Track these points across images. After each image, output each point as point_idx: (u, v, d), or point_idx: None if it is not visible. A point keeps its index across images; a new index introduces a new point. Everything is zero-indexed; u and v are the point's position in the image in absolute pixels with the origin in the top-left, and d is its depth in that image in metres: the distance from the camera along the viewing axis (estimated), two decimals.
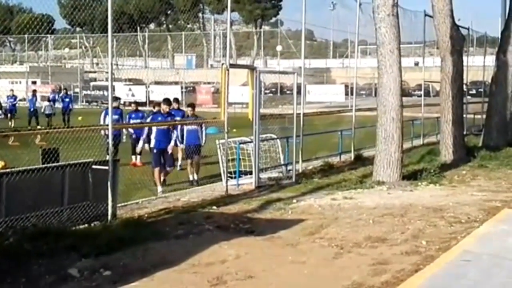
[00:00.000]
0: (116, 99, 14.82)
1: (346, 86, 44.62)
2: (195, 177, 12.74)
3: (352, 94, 20.67)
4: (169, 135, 12.28)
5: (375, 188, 11.43)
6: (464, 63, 16.99)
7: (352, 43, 54.99)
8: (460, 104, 15.77)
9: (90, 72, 63.43)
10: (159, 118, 12.76)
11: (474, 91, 34.53)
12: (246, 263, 6.66)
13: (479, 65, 26.85)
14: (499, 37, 18.71)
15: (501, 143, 17.37)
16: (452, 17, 14.90)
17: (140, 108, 17.05)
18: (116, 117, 13.62)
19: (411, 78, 43.35)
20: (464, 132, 18.14)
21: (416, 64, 48.52)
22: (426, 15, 17.79)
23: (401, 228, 8.23)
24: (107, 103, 9.55)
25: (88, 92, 50.25)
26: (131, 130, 15.07)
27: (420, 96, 22.68)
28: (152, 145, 12.17)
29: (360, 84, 49.80)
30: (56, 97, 32.40)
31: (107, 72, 14.50)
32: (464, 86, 20.68)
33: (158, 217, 9.15)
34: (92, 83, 52.91)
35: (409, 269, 6.40)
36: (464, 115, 19.51)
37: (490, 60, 22.30)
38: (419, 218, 8.80)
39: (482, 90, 27.73)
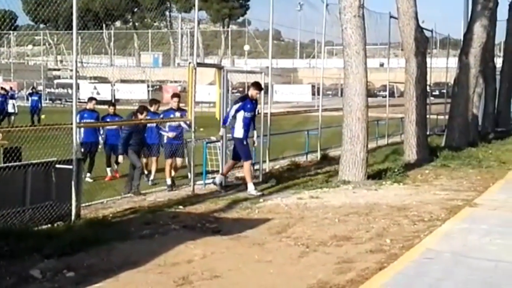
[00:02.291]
0: (91, 99, 14.25)
1: (313, 86, 44.85)
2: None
3: (318, 94, 20.80)
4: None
5: (341, 187, 11.53)
6: (428, 65, 17.23)
7: (319, 43, 55.26)
8: (424, 105, 16.00)
9: (54, 69, 62.59)
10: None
11: (437, 92, 35.08)
12: (212, 263, 6.66)
13: (442, 67, 27.30)
14: (462, 39, 19.06)
15: (463, 143, 17.69)
16: (416, 19, 15.10)
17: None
18: (91, 121, 13.32)
19: (376, 79, 43.89)
20: (428, 133, 18.44)
21: (381, 65, 49.16)
22: (391, 17, 18.01)
23: (366, 227, 8.33)
24: (71, 101, 9.44)
25: (52, 90, 49.48)
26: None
27: (385, 96, 22.96)
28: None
29: (326, 85, 50.14)
30: (16, 95, 31.37)
31: (71, 70, 14.32)
32: (428, 87, 21.00)
33: (123, 217, 9.09)
34: (56, 81, 52.12)
35: (374, 267, 6.48)
36: (428, 116, 19.82)
37: (453, 62, 22.69)
38: (384, 217, 8.92)
39: (445, 91, 28.18)
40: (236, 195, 10.82)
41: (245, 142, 11.49)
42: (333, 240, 7.60)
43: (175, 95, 13.22)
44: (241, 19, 76.29)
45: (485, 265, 6.51)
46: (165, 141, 12.45)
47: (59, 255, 6.66)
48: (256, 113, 11.95)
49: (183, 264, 6.60)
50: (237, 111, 11.40)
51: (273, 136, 13.90)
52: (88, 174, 13.29)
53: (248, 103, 11.53)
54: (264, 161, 13.21)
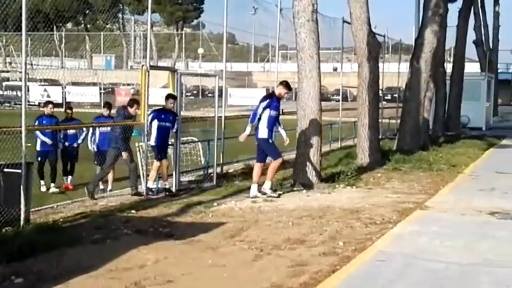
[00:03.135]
0: (48, 103, 13.27)
1: (267, 90, 44.95)
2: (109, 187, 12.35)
3: None
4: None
5: (294, 190, 11.58)
6: (380, 69, 17.46)
7: (273, 47, 55.51)
8: (376, 109, 16.20)
9: (3, 71, 61.04)
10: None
11: (389, 97, 35.62)
12: (165, 268, 6.59)
13: (394, 71, 27.68)
14: (413, 44, 19.39)
15: (414, 147, 17.99)
16: (369, 24, 15.29)
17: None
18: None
19: (330, 83, 44.24)
20: (380, 136, 18.68)
21: (335, 69, 49.58)
22: (344, 21, 18.19)
23: (319, 230, 8.37)
24: (20, 104, 9.20)
25: (0, 92, 48.33)
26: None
27: (338, 100, 23.16)
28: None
29: None
30: None
31: (20, 72, 13.91)
32: (380, 92, 21.30)
33: (74, 221, 8.92)
34: (4, 83, 50.84)
35: (327, 270, 6.51)
36: (380, 120, 20.07)
37: (405, 66, 23.04)
38: (337, 220, 8.98)
39: (397, 95, 28.63)
40: (189, 199, 10.74)
41: (270, 141, 11.29)
42: (287, 243, 7.62)
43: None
44: (195, 22, 76.00)
45: (436, 267, 6.62)
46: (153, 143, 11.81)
47: (7, 261, 6.49)
48: (281, 112, 11.74)
49: (135, 269, 6.51)
50: (264, 109, 11.14)
51: (227, 140, 13.86)
52: (52, 184, 12.78)
53: (274, 101, 11.26)
54: (218, 165, 13.17)
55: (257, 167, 11.25)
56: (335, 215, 9.37)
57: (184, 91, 13.04)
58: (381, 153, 16.37)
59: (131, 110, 11.37)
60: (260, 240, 7.80)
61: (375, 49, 15.59)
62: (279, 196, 10.88)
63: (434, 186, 12.45)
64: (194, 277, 6.34)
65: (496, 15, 47.04)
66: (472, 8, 33.03)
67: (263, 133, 11.13)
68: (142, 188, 11.24)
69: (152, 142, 11.60)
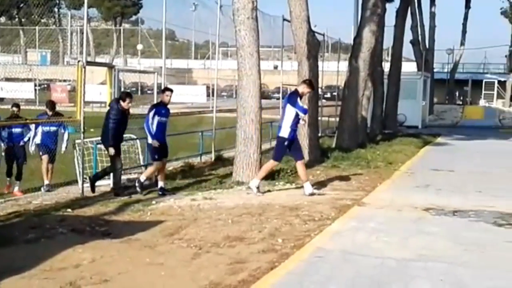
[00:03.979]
0: None
1: (208, 87, 44.89)
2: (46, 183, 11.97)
3: (213, 95, 20.80)
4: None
5: (234, 188, 11.58)
6: (320, 68, 17.64)
7: (213, 44, 55.37)
8: (316, 107, 16.36)
9: None
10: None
11: (328, 95, 36.09)
12: (101, 267, 6.47)
13: (334, 70, 28.01)
14: (352, 44, 19.68)
15: (353, 144, 18.27)
16: (308, 23, 15.42)
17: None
18: None
19: (271, 81, 44.52)
20: (319, 134, 18.89)
21: (275, 67, 49.89)
22: (284, 20, 18.27)
23: (259, 227, 8.38)
24: None
25: None
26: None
27: (279, 98, 23.27)
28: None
29: (221, 86, 50.36)
30: None
31: None
32: (320, 90, 21.53)
33: (6, 221, 8.67)
34: None
35: (266, 267, 6.53)
36: (319, 118, 20.31)
37: (344, 65, 23.35)
38: (276, 217, 9.02)
39: (336, 94, 29.01)
40: (128, 198, 10.59)
41: (286, 143, 11.12)
42: (226, 241, 7.60)
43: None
44: (134, 17, 75.10)
45: (372, 263, 6.72)
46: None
47: None
48: None
49: (71, 269, 6.37)
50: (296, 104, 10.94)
51: (166, 137, 13.71)
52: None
53: (299, 98, 11.14)
54: None
55: (300, 166, 11.21)
56: (274, 212, 9.40)
57: (122, 88, 12.75)
58: (320, 150, 16.56)
59: (124, 104, 11.04)
60: (199, 238, 7.75)
61: (315, 47, 15.74)
62: (263, 193, 10.96)
63: (371, 183, 12.67)
64: (131, 276, 6.25)
65: (432, 15, 48.28)
66: (409, 9, 33.78)
67: (285, 132, 11.07)
68: (79, 186, 11.01)
69: (151, 139, 11.19)
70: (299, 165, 11.15)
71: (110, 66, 12.49)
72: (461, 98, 66.07)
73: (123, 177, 12.31)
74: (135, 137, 13.24)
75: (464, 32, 55.03)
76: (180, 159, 15.23)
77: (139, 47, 67.52)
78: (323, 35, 22.93)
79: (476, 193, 11.61)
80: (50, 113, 12.17)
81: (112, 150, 10.91)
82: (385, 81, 27.93)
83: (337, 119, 20.69)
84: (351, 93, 18.68)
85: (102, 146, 12.08)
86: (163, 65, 14.39)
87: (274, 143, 20.17)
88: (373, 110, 25.67)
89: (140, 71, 19.08)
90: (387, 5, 21.75)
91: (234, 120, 12.64)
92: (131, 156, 13.06)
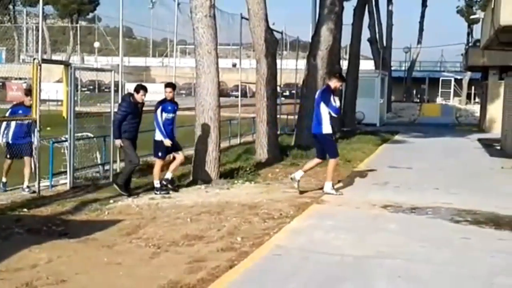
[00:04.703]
0: None
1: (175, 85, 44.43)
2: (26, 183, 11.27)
3: None
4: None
5: (193, 186, 11.53)
6: (278, 66, 17.69)
7: (171, 42, 55.03)
8: (274, 105, 16.39)
9: None
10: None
11: (287, 93, 36.24)
12: (58, 267, 6.37)
13: (292, 68, 28.13)
14: (310, 42, 19.77)
15: (312, 142, 18.32)
16: (266, 20, 15.43)
17: None
18: None
19: (229, 79, 44.50)
20: (278, 132, 18.93)
21: (234, 65, 49.84)
22: (242, 17, 18.28)
23: (218, 226, 8.36)
24: None
25: None
26: None
27: (238, 96, 23.29)
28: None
29: (180, 84, 50.00)
30: None
31: None
32: (278, 88, 21.59)
33: None
34: None
35: (224, 265, 6.51)
36: (278, 116, 20.38)
37: (302, 63, 23.47)
38: (235, 215, 9.00)
39: (294, 92, 29.13)
40: (85, 196, 10.44)
41: (333, 137, 11.14)
42: (185, 240, 7.56)
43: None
44: (90, 15, 74.06)
45: (331, 260, 6.76)
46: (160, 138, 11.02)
47: None
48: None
49: (27, 269, 6.26)
50: (329, 103, 10.84)
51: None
52: None
53: (332, 95, 11.01)
54: (114, 161, 12.85)
55: (315, 161, 11.27)
56: (233, 210, 9.39)
57: (79, 86, 12.52)
58: (280, 148, 16.60)
59: (138, 96, 10.83)
60: (158, 237, 7.69)
61: (273, 45, 15.77)
62: (341, 193, 10.99)
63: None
64: (88, 276, 6.16)
65: (390, 14, 48.93)
66: (367, 7, 34.14)
67: (327, 128, 10.98)
68: (35, 185, 10.77)
69: (160, 137, 10.97)
70: (315, 162, 11.32)
71: (66, 64, 12.23)
72: (419, 96, 67.17)
73: (80, 176, 12.14)
74: (91, 135, 13.05)
75: (421, 30, 55.97)
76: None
77: (96, 44, 66.73)
78: (282, 33, 23.01)
79: (433, 190, 11.79)
80: (30, 102, 11.25)
81: (117, 142, 10.78)
82: None
83: (296, 117, 20.75)
84: (310, 91, 18.73)
85: (59, 145, 11.89)
86: (120, 63, 14.17)
87: (233, 141, 20.29)
88: None
89: (97, 69, 18.81)
90: (345, 3, 21.93)
91: (193, 119, 12.56)
92: (88, 155, 12.85)
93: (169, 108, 11.04)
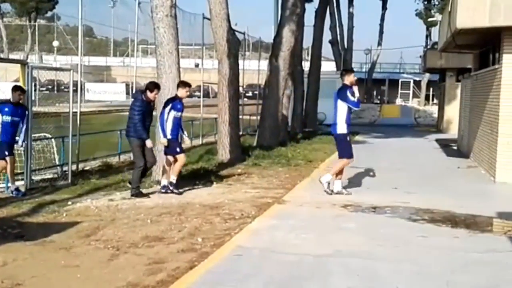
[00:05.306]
0: None
1: (127, 85, 44.14)
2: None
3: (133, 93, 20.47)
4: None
5: (154, 187, 11.42)
6: (241, 67, 17.70)
7: (132, 42, 54.53)
8: (236, 106, 16.38)
9: None
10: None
11: (250, 94, 36.28)
12: (13, 270, 6.24)
13: (255, 69, 28.17)
14: (272, 43, 19.82)
15: (273, 143, 18.42)
16: (228, 21, 15.40)
17: None
18: None
19: (192, 79, 44.12)
20: (240, 133, 18.94)
21: (196, 65, 49.54)
22: (204, 18, 18.23)
23: (178, 227, 8.31)
24: None
25: None
26: None
27: (200, 97, 23.18)
28: None
29: (141, 84, 49.59)
30: None
31: None
32: (241, 89, 21.57)
33: None
34: None
35: (185, 266, 6.47)
36: (241, 116, 20.37)
37: (265, 64, 23.52)
38: (196, 216, 8.97)
39: (257, 92, 29.18)
40: (42, 198, 10.26)
41: (348, 138, 11.06)
42: (145, 241, 7.49)
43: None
44: (49, 13, 72.87)
45: (291, 259, 6.78)
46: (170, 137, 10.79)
47: None
48: None
49: None
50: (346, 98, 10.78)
51: (83, 136, 13.40)
52: None
53: (349, 91, 10.92)
54: (73, 162, 12.68)
55: (340, 163, 11.18)
56: (194, 211, 9.35)
57: (38, 86, 12.29)
58: (242, 149, 16.61)
59: (151, 95, 10.58)
60: (117, 239, 7.61)
61: (235, 46, 15.75)
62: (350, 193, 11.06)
63: (291, 181, 12.80)
64: (45, 279, 6.05)
65: (351, 16, 49.33)
66: (328, 9, 34.36)
67: (342, 128, 10.97)
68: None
69: (170, 135, 10.77)
70: (341, 162, 11.23)
71: (23, 63, 12.00)
72: (379, 97, 67.98)
73: (38, 177, 11.94)
74: (49, 136, 12.84)
75: (381, 32, 56.52)
76: (97, 159, 14.91)
77: (55, 43, 65.73)
78: (244, 33, 23.02)
79: (392, 189, 11.93)
80: (18, 98, 10.82)
81: (149, 143, 10.49)
82: (305, 80, 28.30)
83: (258, 117, 20.79)
84: (272, 92, 18.83)
85: (15, 145, 11.65)
86: (80, 62, 13.98)
87: (195, 141, 20.21)
88: (294, 109, 25.97)
89: (55, 69, 18.48)
90: (307, 5, 22.05)
91: (155, 119, 12.45)
92: (46, 155, 12.65)
93: (179, 106, 10.90)
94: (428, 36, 54.96)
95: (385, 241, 7.74)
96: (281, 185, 12.26)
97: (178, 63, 12.02)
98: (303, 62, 28.34)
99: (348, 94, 10.88)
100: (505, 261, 6.96)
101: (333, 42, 41.72)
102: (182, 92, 10.92)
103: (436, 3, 49.80)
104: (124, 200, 10.16)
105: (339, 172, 11.22)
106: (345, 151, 11.17)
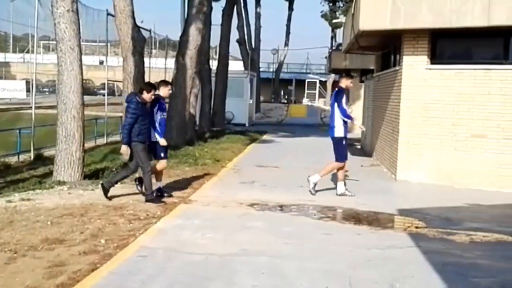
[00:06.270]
0: None
1: (28, 82, 42.56)
2: None
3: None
4: None
5: (55, 188, 11.03)
6: (147, 64, 17.42)
7: (33, 37, 52.67)
8: None
9: None
10: None
11: None
12: None
13: (162, 67, 27.89)
14: (179, 41, 19.66)
15: (180, 142, 18.26)
16: (133, 18, 15.13)
17: None
18: None
19: (97, 76, 43.27)
20: None
21: (101, 62, 48.51)
22: (108, 14, 17.83)
23: (81, 228, 8.06)
24: None
25: None
26: None
27: (105, 95, 22.70)
28: None
29: (43, 81, 48.04)
30: None
31: None
32: None
33: None
34: None
35: (87, 268, 6.28)
36: None
37: (172, 62, 23.30)
38: (99, 217, 8.73)
39: None
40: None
41: (344, 142, 10.94)
42: (45, 244, 7.21)
43: None
44: None
45: (197, 259, 6.72)
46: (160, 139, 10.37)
47: None
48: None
49: None
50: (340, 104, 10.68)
51: None
52: None
53: (345, 95, 10.86)
54: None
55: (332, 165, 11.19)
56: (98, 212, 9.09)
57: None
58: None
59: (147, 96, 10.01)
60: (15, 241, 7.28)
61: (140, 43, 15.50)
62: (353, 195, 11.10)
63: (199, 180, 12.72)
64: None
65: (258, 16, 49.83)
66: (235, 8, 34.52)
67: (340, 131, 10.97)
68: None
69: (160, 138, 10.28)
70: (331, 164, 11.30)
71: None
72: (286, 97, 69.04)
73: None
74: None
75: (288, 33, 57.46)
76: None
77: None
78: (150, 31, 22.72)
79: (298, 188, 12.08)
80: None
81: (124, 148, 9.95)
82: (213, 79, 28.30)
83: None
84: (179, 90, 18.67)
85: None
86: None
87: (100, 140, 19.75)
88: (201, 108, 25.91)
89: None
90: (214, 4, 22.04)
91: (56, 117, 12.05)
92: None
93: (163, 106, 10.57)
94: (333, 37, 56.36)
95: (291, 239, 7.83)
96: (188, 184, 12.16)
97: (80, 60, 11.69)
98: (210, 61, 28.33)
99: (343, 101, 11.03)
100: (405, 257, 7.20)
101: (240, 42, 41.99)
102: (164, 91, 10.56)
103: (341, 5, 51.08)
104: (23, 201, 9.75)
105: (340, 174, 11.32)
106: (341, 154, 11.29)
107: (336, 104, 11.07)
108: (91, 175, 12.16)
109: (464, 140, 13.06)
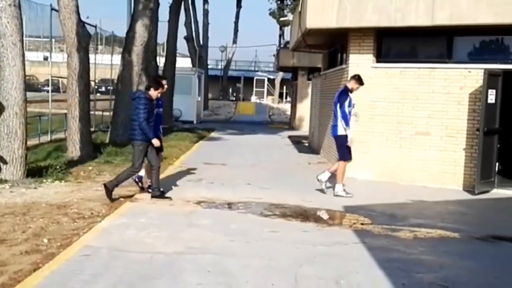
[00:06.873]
0: None
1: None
2: None
3: None
4: None
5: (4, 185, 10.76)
6: (93, 61, 17.15)
7: None
8: (87, 101, 15.83)
9: None
10: None
11: (103, 89, 35.33)
12: None
13: (108, 64, 27.46)
14: (125, 37, 19.41)
15: (127, 139, 17.99)
16: (78, 13, 14.84)
17: None
18: None
19: (41, 72, 42.26)
20: (92, 129, 18.38)
21: (45, 58, 47.50)
22: (52, 9, 17.43)
23: (23, 227, 7.87)
24: None
25: None
26: None
27: (49, 91, 22.20)
28: None
29: None
30: None
31: None
32: (93, 83, 20.94)
33: None
34: None
35: (28, 268, 6.14)
36: (93, 112, 19.78)
37: (118, 59, 22.97)
38: (42, 216, 8.54)
39: (110, 88, 28.46)
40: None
41: (347, 141, 10.86)
42: None
43: None
44: None
45: (141, 258, 6.64)
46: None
47: None
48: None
49: None
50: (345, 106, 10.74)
51: None
52: None
53: (349, 96, 10.92)
54: None
55: (340, 166, 11.19)
56: (40, 211, 8.90)
57: None
58: (94, 146, 16.13)
59: (154, 93, 9.98)
60: None
61: (85, 39, 15.23)
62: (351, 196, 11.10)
63: (145, 178, 12.56)
64: None
65: (206, 13, 49.68)
66: (183, 5, 34.31)
67: (341, 130, 11.00)
68: None
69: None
70: (344, 165, 11.32)
71: None
72: (234, 94, 69.10)
73: None
74: None
75: (236, 30, 57.46)
76: None
77: None
78: (96, 26, 22.32)
79: (245, 185, 12.12)
80: None
81: (155, 141, 10.03)
82: None
83: (111, 113, 20.27)
84: (125, 87, 18.44)
85: None
86: None
87: (44, 138, 19.30)
88: None
89: None
90: (161, 0, 21.82)
91: None
92: None
93: (160, 102, 10.52)
94: (281, 35, 56.64)
95: (237, 236, 7.83)
96: (134, 183, 12.00)
97: (23, 55, 11.41)
98: (158, 58, 28.05)
99: (346, 104, 11.03)
100: (350, 253, 7.30)
101: (188, 38, 41.78)
102: (154, 93, 10.31)
103: (289, 3, 51.43)
104: None
105: (341, 176, 11.30)
106: (345, 153, 11.27)
107: (338, 105, 11.14)
108: (34, 173, 11.88)
109: (409, 137, 13.32)
